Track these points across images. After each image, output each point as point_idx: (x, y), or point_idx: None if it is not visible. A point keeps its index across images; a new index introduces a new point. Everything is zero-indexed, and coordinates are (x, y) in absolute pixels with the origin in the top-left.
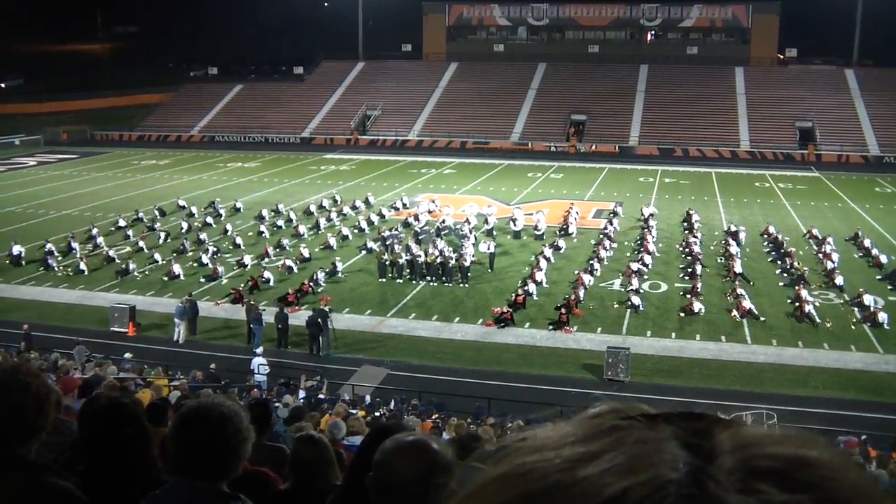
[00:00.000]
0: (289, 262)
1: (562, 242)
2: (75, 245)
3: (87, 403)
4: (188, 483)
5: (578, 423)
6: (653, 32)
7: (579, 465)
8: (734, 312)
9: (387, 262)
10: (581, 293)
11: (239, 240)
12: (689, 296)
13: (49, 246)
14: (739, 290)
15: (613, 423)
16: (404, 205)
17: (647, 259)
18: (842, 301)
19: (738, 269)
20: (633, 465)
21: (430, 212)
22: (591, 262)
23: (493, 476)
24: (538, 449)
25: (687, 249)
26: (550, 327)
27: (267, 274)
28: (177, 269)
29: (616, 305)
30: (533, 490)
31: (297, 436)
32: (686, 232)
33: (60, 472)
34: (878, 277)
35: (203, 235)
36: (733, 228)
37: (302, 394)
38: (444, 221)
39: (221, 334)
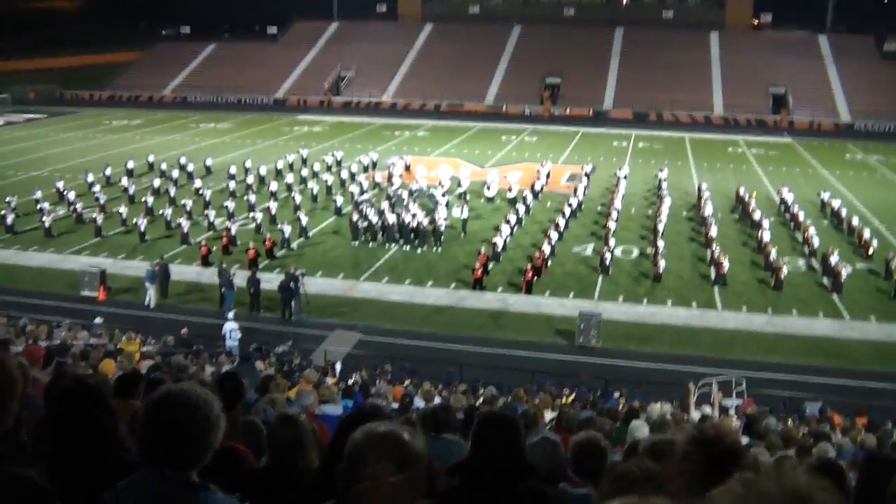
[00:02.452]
0: (258, 219)
1: (530, 203)
2: (44, 205)
3: (52, 383)
4: (156, 472)
5: None
6: None
7: None
8: (712, 275)
9: (361, 226)
10: (547, 252)
11: (209, 199)
12: (657, 256)
13: (12, 201)
14: (717, 252)
15: None
16: (373, 163)
17: (614, 215)
18: (809, 264)
19: (712, 232)
20: None
21: (401, 175)
22: (557, 222)
23: None
24: None
25: (657, 213)
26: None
27: (235, 230)
28: (144, 226)
29: (586, 268)
30: None
31: (275, 416)
32: (657, 196)
33: (24, 459)
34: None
35: (174, 193)
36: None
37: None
38: (416, 184)
39: (193, 298)
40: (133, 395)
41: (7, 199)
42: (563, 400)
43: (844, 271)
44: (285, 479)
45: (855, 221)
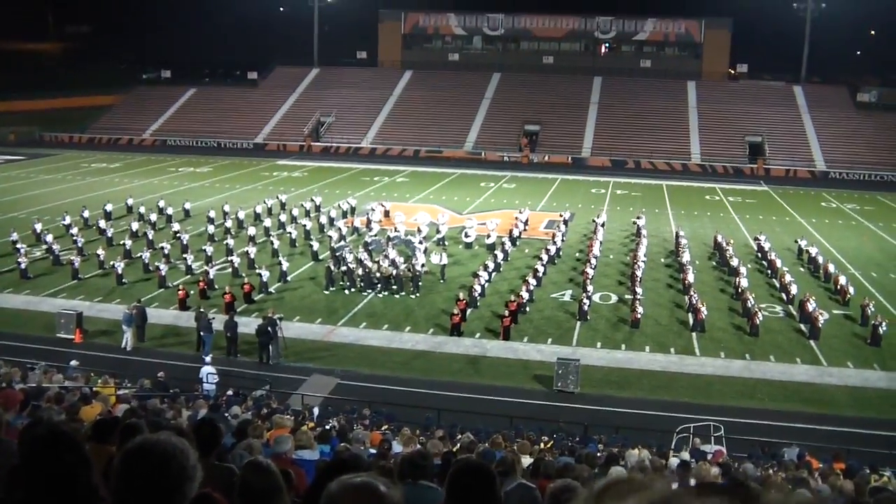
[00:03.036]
0: (235, 263)
1: (508, 249)
2: (21, 246)
3: (25, 430)
4: None
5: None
6: (607, 45)
7: None
8: (690, 321)
9: (338, 273)
10: (525, 297)
11: (187, 242)
12: (635, 302)
13: None
14: (695, 299)
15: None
16: (352, 209)
17: (592, 261)
18: (786, 310)
19: (690, 278)
20: None
21: (380, 221)
22: (536, 268)
23: None
24: None
25: (633, 259)
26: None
27: (213, 273)
28: (121, 269)
29: (564, 314)
30: None
31: (245, 462)
32: (635, 242)
33: None
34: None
35: (152, 236)
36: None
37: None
38: (395, 230)
39: (170, 341)
40: (110, 441)
41: None
42: (542, 446)
43: (821, 317)
44: None
45: (831, 268)
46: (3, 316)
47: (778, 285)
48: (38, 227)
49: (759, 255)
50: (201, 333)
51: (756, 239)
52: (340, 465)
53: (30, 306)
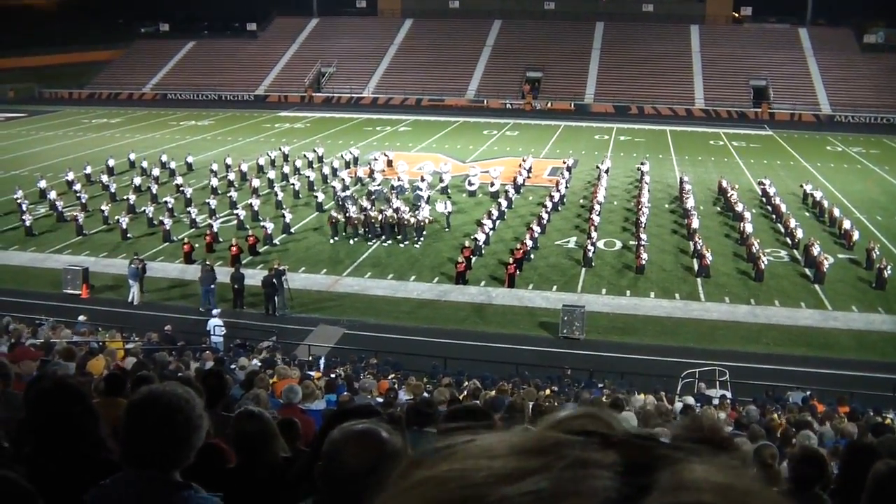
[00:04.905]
0: (240, 216)
1: (512, 197)
2: (23, 203)
3: (31, 384)
4: (139, 472)
5: (526, 434)
6: None
7: (503, 481)
8: (695, 267)
9: (341, 222)
10: (530, 245)
11: (190, 196)
12: (640, 249)
13: None
14: (700, 244)
15: (560, 438)
16: (355, 159)
17: (597, 208)
18: (791, 255)
19: (695, 224)
20: (556, 492)
21: (383, 171)
22: (540, 216)
23: (420, 478)
24: (474, 456)
25: (637, 206)
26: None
27: (217, 227)
28: (125, 224)
29: (569, 261)
30: (447, 499)
31: (236, 412)
32: (638, 188)
33: (4, 460)
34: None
35: (155, 191)
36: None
37: (257, 362)
38: (398, 179)
39: (176, 294)
40: (121, 394)
41: None
42: (546, 392)
43: (826, 262)
44: (253, 475)
45: (836, 212)
46: (9, 273)
47: (783, 230)
48: (42, 184)
49: (764, 199)
50: (207, 286)
51: (760, 183)
52: (347, 414)
53: (36, 263)
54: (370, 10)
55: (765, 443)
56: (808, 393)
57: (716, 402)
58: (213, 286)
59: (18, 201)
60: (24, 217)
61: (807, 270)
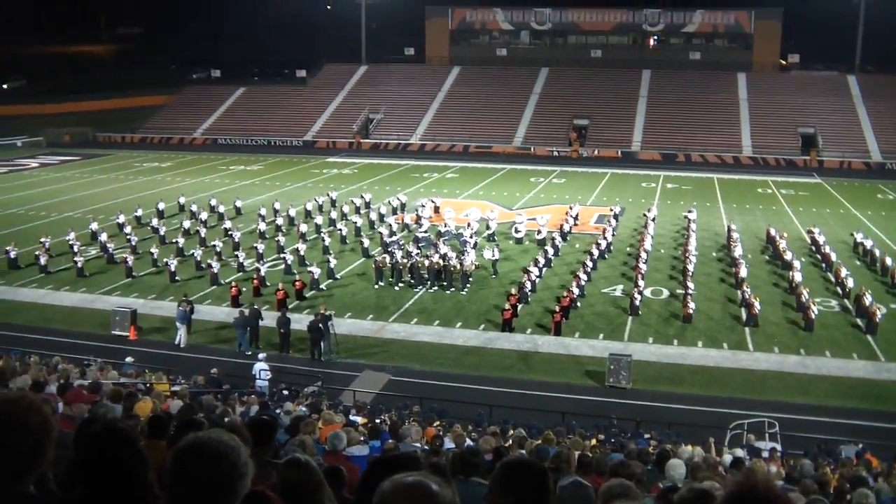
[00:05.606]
0: (288, 260)
1: (559, 244)
2: (75, 245)
3: (81, 427)
4: None
5: None
6: (655, 37)
7: None
8: (743, 316)
9: (387, 267)
10: (576, 292)
11: (238, 240)
12: (687, 297)
13: (46, 242)
14: (748, 293)
15: None
16: (402, 205)
17: (644, 256)
18: (842, 305)
19: (742, 273)
20: None
21: (430, 217)
22: (586, 263)
23: None
24: None
25: (685, 253)
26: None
27: (264, 271)
28: (174, 267)
29: (615, 309)
30: None
31: (283, 460)
32: (685, 236)
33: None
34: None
35: (204, 234)
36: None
37: (303, 408)
38: (445, 226)
39: (223, 336)
40: (162, 436)
41: (41, 240)
42: (593, 442)
43: (879, 312)
44: None
45: (888, 261)
46: (60, 313)
47: (833, 279)
48: (94, 226)
49: (814, 248)
50: (240, 330)
51: (810, 232)
52: (391, 462)
53: (85, 304)
54: (418, 57)
55: (818, 497)
56: (861, 446)
57: (765, 454)
58: (247, 329)
59: (70, 243)
60: (75, 258)
61: (858, 321)
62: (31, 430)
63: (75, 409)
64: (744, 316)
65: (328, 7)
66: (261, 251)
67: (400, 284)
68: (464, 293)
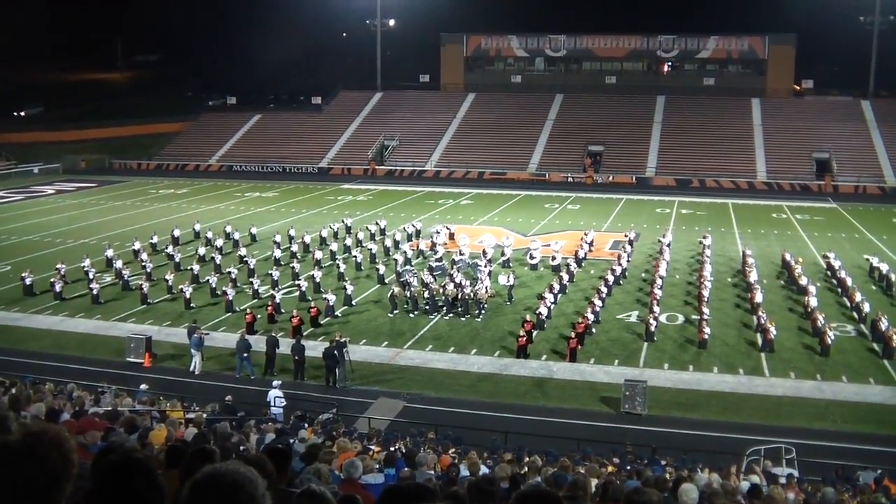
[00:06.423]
0: (303, 287)
1: (574, 271)
2: (91, 271)
3: (98, 457)
4: None
5: None
6: (669, 63)
7: None
8: (759, 341)
9: (403, 296)
10: (591, 318)
11: (253, 267)
12: (702, 323)
13: (62, 268)
14: (764, 318)
15: None
16: (417, 232)
17: (659, 281)
18: (858, 329)
19: (758, 298)
20: None
21: (444, 244)
22: (601, 289)
23: None
24: None
25: (700, 279)
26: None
27: (279, 298)
28: (189, 294)
29: (630, 335)
30: None
31: (299, 491)
32: (700, 262)
33: None
34: None
35: (219, 261)
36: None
37: (316, 437)
38: (460, 254)
39: (237, 363)
40: (177, 466)
41: (56, 267)
42: (609, 469)
43: (895, 336)
44: None
45: None
46: (75, 340)
47: (849, 304)
48: (110, 252)
49: (829, 273)
50: (240, 355)
51: (825, 257)
52: (404, 492)
53: (100, 331)
54: (433, 84)
55: None
56: (879, 472)
57: (783, 480)
58: (246, 354)
59: (86, 269)
60: (91, 285)
61: (875, 345)
62: (48, 466)
63: (88, 438)
64: (759, 341)
65: (343, 34)
66: (276, 278)
67: (415, 312)
68: (479, 320)
